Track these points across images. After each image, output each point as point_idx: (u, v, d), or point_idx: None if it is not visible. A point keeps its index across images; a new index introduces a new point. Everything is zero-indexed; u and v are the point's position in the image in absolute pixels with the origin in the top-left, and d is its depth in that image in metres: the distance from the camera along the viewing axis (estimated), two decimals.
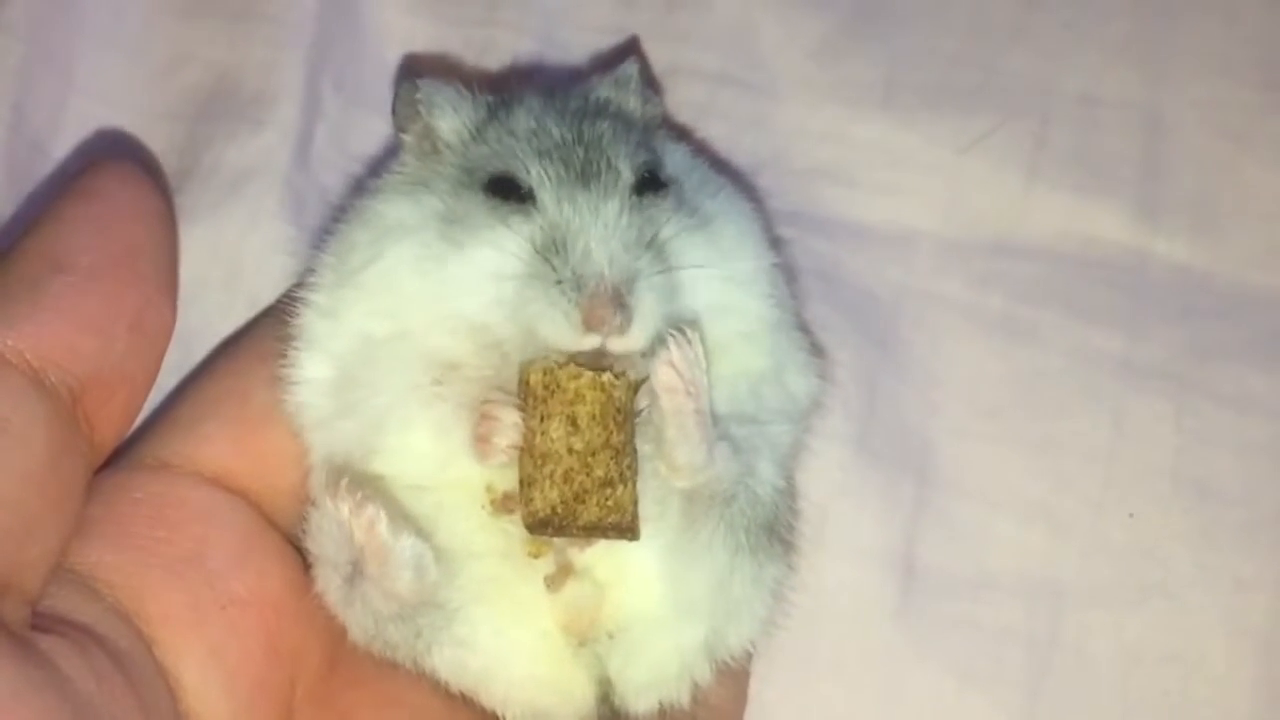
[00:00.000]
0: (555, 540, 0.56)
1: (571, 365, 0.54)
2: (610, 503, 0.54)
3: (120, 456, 0.61)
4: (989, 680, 0.71)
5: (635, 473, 0.55)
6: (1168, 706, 0.71)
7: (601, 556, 0.57)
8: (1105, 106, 0.78)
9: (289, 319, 0.61)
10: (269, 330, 0.63)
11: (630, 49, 0.77)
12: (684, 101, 0.78)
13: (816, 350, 0.65)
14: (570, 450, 0.54)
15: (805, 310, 0.68)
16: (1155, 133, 0.78)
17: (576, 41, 0.79)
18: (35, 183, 0.74)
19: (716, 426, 0.56)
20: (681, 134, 0.73)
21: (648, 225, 0.56)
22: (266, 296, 0.69)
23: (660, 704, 0.59)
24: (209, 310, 0.72)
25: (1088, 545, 0.73)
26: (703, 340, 0.56)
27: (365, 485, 0.56)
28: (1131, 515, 0.73)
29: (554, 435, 0.54)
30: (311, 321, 0.60)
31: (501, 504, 0.56)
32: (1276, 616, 0.71)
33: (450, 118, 0.61)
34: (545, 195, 0.56)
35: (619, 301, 0.53)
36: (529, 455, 0.54)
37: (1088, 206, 0.77)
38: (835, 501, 0.72)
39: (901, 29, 0.80)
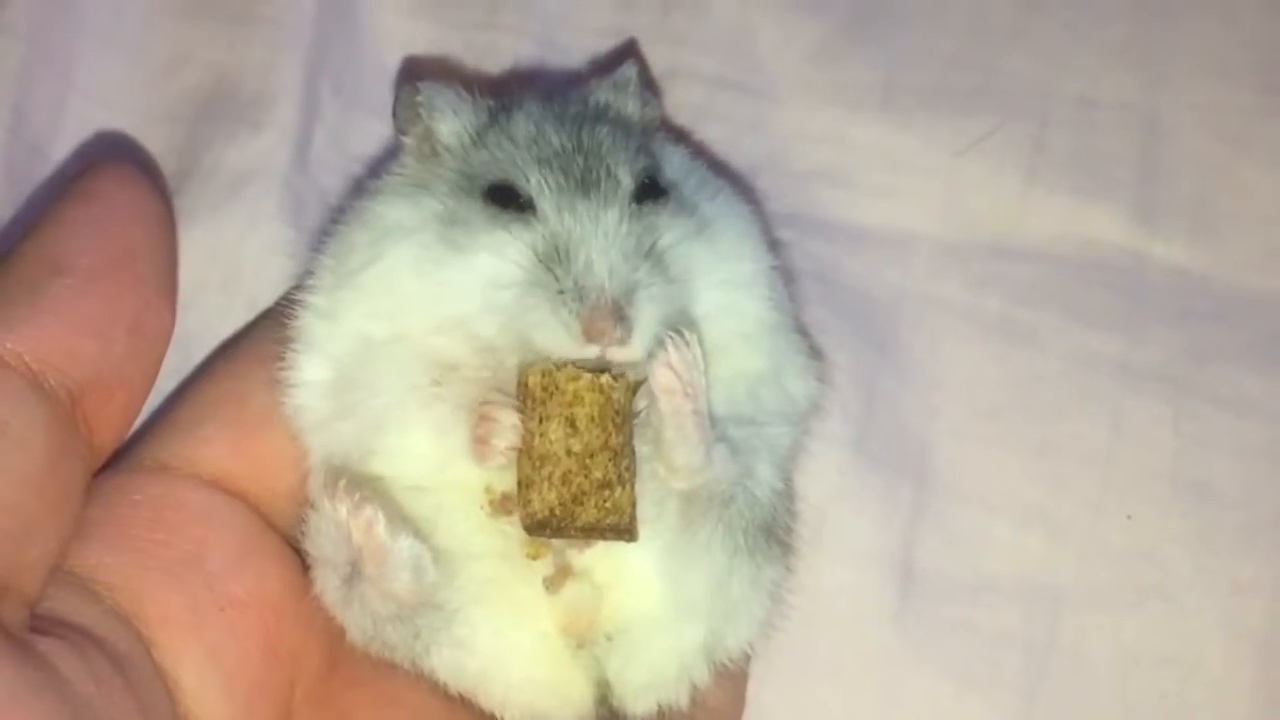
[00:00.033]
0: (554, 542, 0.56)
1: (570, 367, 0.54)
2: (608, 504, 0.54)
3: (119, 459, 0.61)
4: (987, 683, 0.71)
5: (634, 474, 0.55)
6: (1166, 709, 0.71)
7: (600, 558, 0.57)
8: (1104, 109, 0.78)
9: (288, 321, 0.61)
10: (268, 332, 0.62)
11: (629, 51, 0.77)
12: (682, 104, 0.78)
13: (815, 353, 0.65)
14: (569, 452, 0.54)
15: (803, 312, 0.68)
16: (1154, 135, 0.78)
17: (576, 44, 0.79)
18: (34, 185, 0.74)
19: (715, 428, 0.56)
20: (680, 136, 0.73)
21: (647, 234, 0.57)
22: (265, 298, 0.70)
23: (659, 706, 0.59)
24: (208, 312, 0.72)
25: (1086, 548, 0.73)
26: (701, 342, 0.56)
27: (363, 486, 0.56)
28: (1130, 518, 0.73)
29: (552, 437, 0.54)
30: (310, 323, 0.60)
31: (500, 505, 0.56)
32: (1275, 619, 0.71)
33: (450, 121, 0.61)
34: (545, 204, 0.56)
35: (619, 314, 0.54)
36: (527, 457, 0.54)
37: (1086, 209, 0.77)
38: (833, 504, 0.72)
39: (900, 31, 0.80)
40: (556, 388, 0.54)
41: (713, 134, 0.77)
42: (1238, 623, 0.71)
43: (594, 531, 0.55)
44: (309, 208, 0.74)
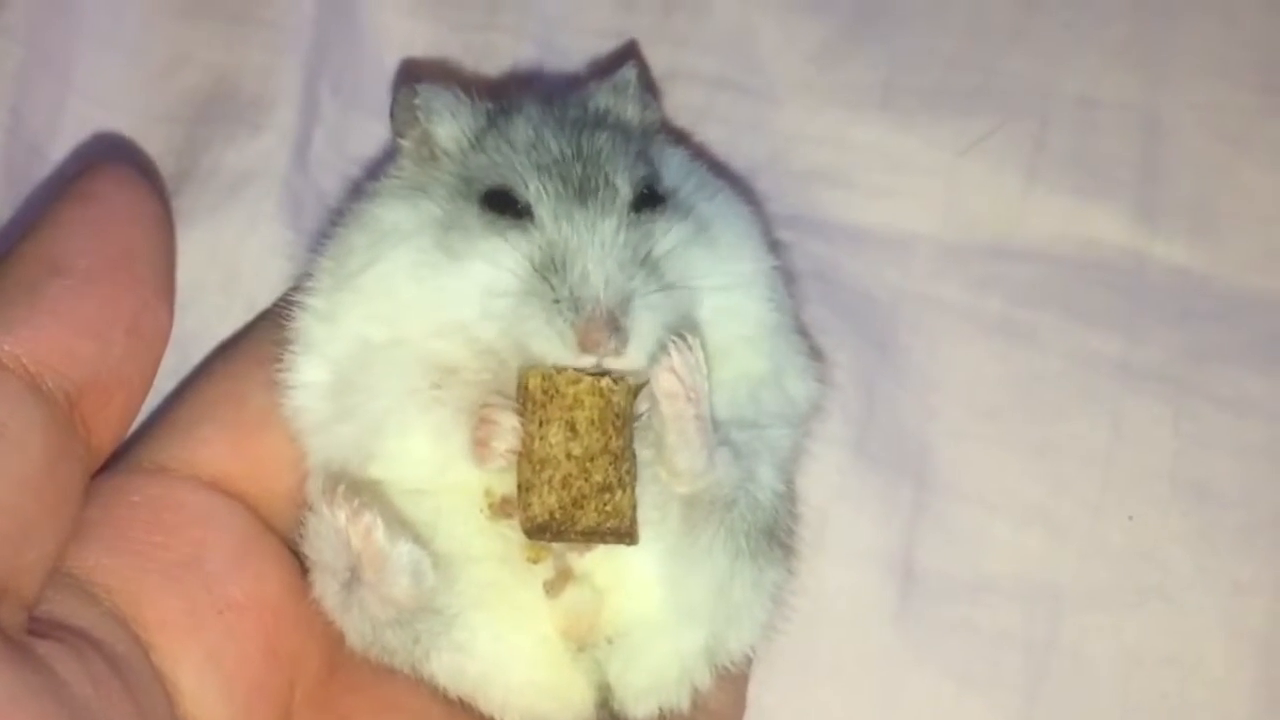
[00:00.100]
0: (554, 545, 0.56)
1: (571, 370, 0.54)
2: (609, 508, 0.54)
3: (118, 460, 0.61)
4: (987, 683, 0.71)
5: (634, 478, 0.55)
6: (1166, 709, 0.71)
7: (601, 561, 0.57)
8: (1104, 109, 0.78)
9: (286, 322, 0.61)
10: (266, 334, 0.62)
11: (629, 53, 0.77)
12: (683, 105, 0.78)
13: (815, 354, 0.65)
14: (569, 455, 0.54)
15: (804, 313, 0.68)
16: (1154, 135, 0.78)
17: (575, 45, 0.79)
18: (33, 186, 0.74)
19: (717, 431, 0.56)
20: (680, 138, 0.73)
21: (644, 242, 0.56)
22: (264, 300, 0.69)
23: (660, 709, 0.59)
24: (206, 313, 0.72)
25: (1086, 548, 0.73)
26: (703, 345, 0.56)
27: (362, 491, 0.56)
28: (1130, 518, 0.73)
29: (553, 440, 0.54)
30: (309, 325, 0.60)
31: (500, 509, 0.56)
32: (1275, 619, 0.71)
33: (448, 124, 0.61)
34: (543, 211, 0.56)
35: (614, 324, 0.54)
36: (527, 460, 0.54)
37: (1086, 209, 0.77)
38: (834, 505, 0.72)
39: (900, 32, 0.80)
40: (557, 391, 0.54)
41: (713, 135, 0.77)
42: (1238, 623, 0.71)
43: (594, 535, 0.54)
44: (308, 209, 0.74)
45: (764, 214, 0.68)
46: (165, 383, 0.66)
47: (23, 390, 0.53)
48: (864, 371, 0.74)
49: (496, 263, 0.56)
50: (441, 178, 0.60)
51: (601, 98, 0.64)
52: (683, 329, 0.55)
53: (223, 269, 0.73)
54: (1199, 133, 0.78)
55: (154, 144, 0.76)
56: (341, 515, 0.55)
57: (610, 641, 0.58)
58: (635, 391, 0.56)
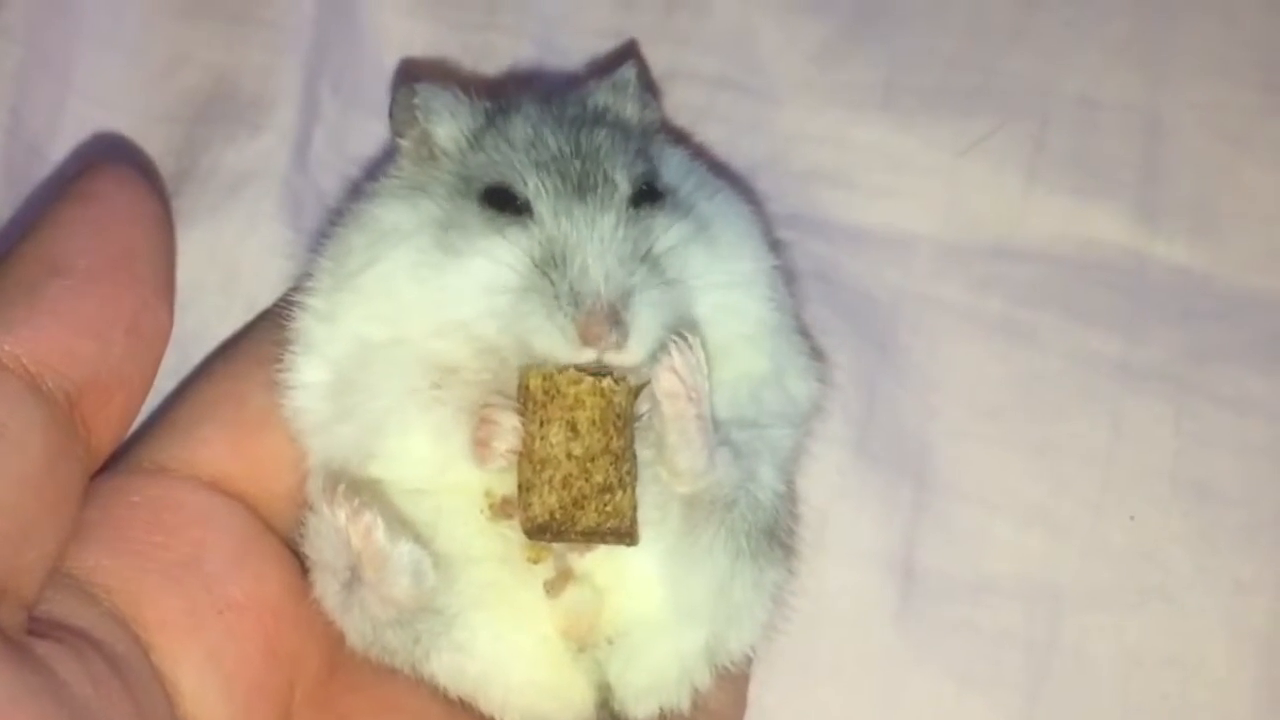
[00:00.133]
0: (555, 545, 0.56)
1: (571, 370, 0.54)
2: (609, 508, 0.54)
3: (117, 460, 0.61)
4: (988, 683, 0.71)
5: (634, 478, 0.55)
6: (1167, 710, 0.71)
7: (601, 562, 0.57)
8: (1104, 109, 0.78)
9: (286, 323, 0.61)
10: (266, 334, 0.62)
11: (629, 52, 0.77)
12: (683, 104, 0.78)
13: (816, 353, 0.65)
14: (569, 456, 0.54)
15: (804, 313, 0.68)
16: (1155, 135, 0.78)
17: (575, 45, 0.79)
18: (33, 186, 0.74)
19: (717, 431, 0.56)
20: (680, 137, 0.73)
21: (644, 237, 0.56)
22: (264, 300, 0.69)
23: (660, 709, 0.59)
24: (206, 313, 0.72)
25: (1087, 548, 0.73)
26: (704, 345, 0.56)
27: (362, 491, 0.56)
28: (1131, 518, 0.73)
29: (553, 441, 0.54)
30: (309, 325, 0.60)
31: (500, 509, 0.56)
32: (1277, 619, 0.71)
33: (447, 124, 0.61)
34: (542, 208, 0.56)
35: (615, 319, 0.54)
36: (528, 460, 0.54)
37: (1087, 209, 0.77)
38: (834, 505, 0.72)
39: (900, 31, 0.80)
40: (558, 391, 0.54)
41: (713, 134, 0.77)
42: (1240, 622, 0.71)
43: (594, 535, 0.54)
44: (308, 209, 0.74)
45: (764, 214, 0.68)
46: (165, 383, 0.66)
47: (23, 390, 0.53)
48: (865, 371, 0.74)
49: (496, 259, 0.56)
50: (441, 177, 0.60)
51: (601, 96, 0.64)
52: (683, 328, 0.56)
53: (222, 269, 0.73)
54: (1200, 132, 0.78)
55: (154, 144, 0.76)
56: (341, 514, 0.55)
57: (610, 641, 0.57)
58: (636, 392, 0.56)
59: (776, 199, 0.75)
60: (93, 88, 0.76)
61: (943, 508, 0.73)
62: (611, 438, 0.54)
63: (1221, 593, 0.72)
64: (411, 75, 0.76)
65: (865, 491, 0.73)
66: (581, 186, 0.56)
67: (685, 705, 0.60)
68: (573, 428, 0.54)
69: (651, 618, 0.57)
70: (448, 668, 0.58)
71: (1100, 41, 0.79)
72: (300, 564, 0.60)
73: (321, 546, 0.58)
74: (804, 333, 0.65)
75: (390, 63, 0.78)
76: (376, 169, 0.68)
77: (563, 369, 0.54)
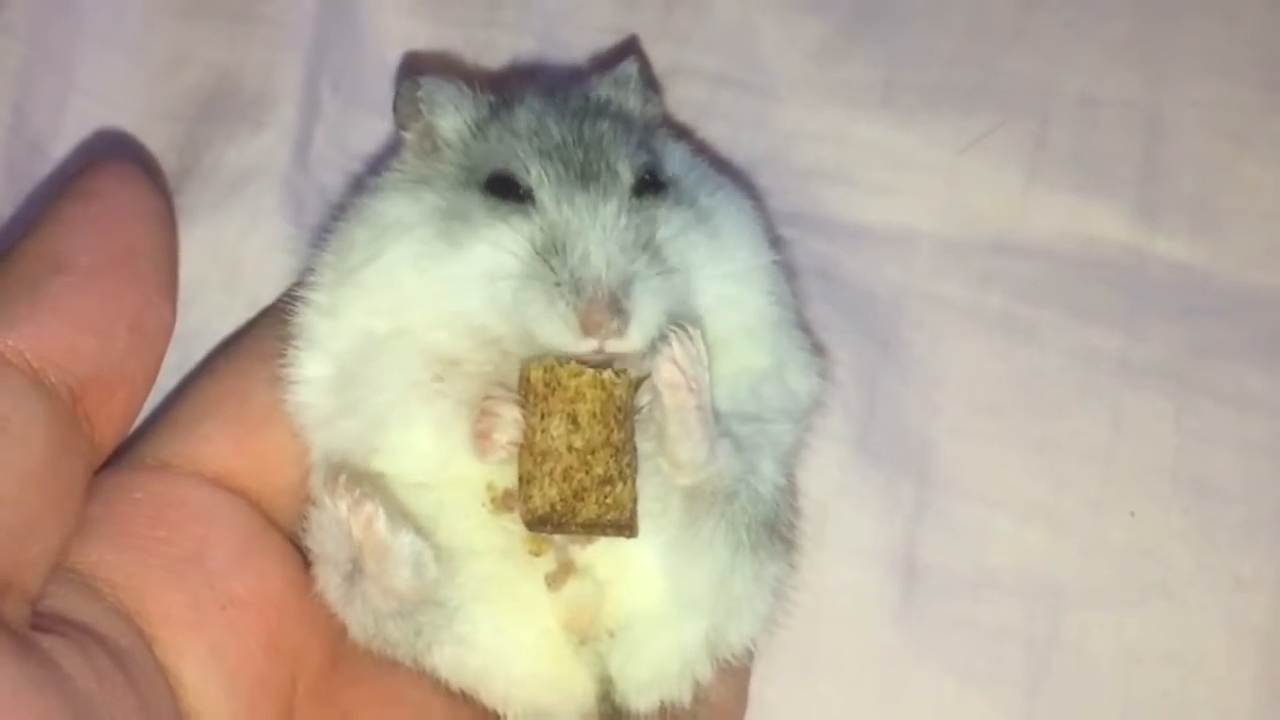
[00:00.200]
0: (556, 538, 0.56)
1: (573, 363, 0.54)
2: (609, 500, 0.54)
3: (120, 456, 0.61)
4: (988, 680, 0.71)
5: (635, 470, 0.55)
6: (1168, 707, 0.71)
7: (602, 554, 0.57)
8: (1105, 107, 0.79)
9: (289, 318, 0.61)
10: (269, 330, 0.63)
11: (630, 49, 0.77)
12: (684, 101, 0.78)
13: (817, 349, 0.65)
14: (570, 448, 0.54)
15: (805, 309, 0.68)
16: (1155, 133, 0.78)
17: (577, 42, 0.79)
18: (35, 183, 0.74)
19: (718, 424, 0.56)
20: (681, 134, 0.73)
21: (646, 226, 0.57)
22: (266, 296, 0.69)
23: (661, 702, 0.59)
24: (208, 310, 0.72)
25: (1087, 545, 0.73)
26: (704, 337, 0.56)
27: (364, 483, 0.56)
28: (1131, 514, 0.73)
29: (554, 433, 0.54)
30: (311, 320, 0.60)
31: (502, 502, 0.56)
32: (1277, 616, 0.71)
33: (451, 116, 0.61)
34: (544, 195, 0.56)
35: (616, 306, 0.54)
36: (529, 452, 0.54)
37: (1087, 206, 0.77)
38: (835, 501, 0.72)
39: (901, 30, 0.80)
40: (559, 383, 0.54)
41: (714, 131, 0.77)
42: (1240, 619, 0.71)
43: (595, 527, 0.55)
44: (309, 205, 0.74)
45: (765, 210, 0.68)
46: (168, 379, 0.67)
47: (26, 385, 0.53)
48: (865, 368, 0.74)
49: (498, 246, 0.56)
50: (444, 169, 0.60)
51: (603, 90, 0.64)
52: (684, 319, 0.56)
53: (225, 266, 0.73)
54: (1200, 130, 0.78)
55: (155, 141, 0.76)
56: (343, 505, 0.55)
57: (612, 634, 0.58)
58: (636, 385, 0.56)
59: (777, 196, 0.75)
60: (95, 85, 0.76)
61: (943, 504, 0.73)
62: (612, 430, 0.54)
63: (1222, 590, 0.72)
64: (415, 70, 0.76)
65: (866, 488, 0.73)
66: (584, 175, 0.57)
67: (686, 698, 0.60)
68: (573, 420, 0.54)
69: (653, 610, 0.57)
70: (449, 660, 0.58)
71: (1100, 40, 0.79)
72: (303, 559, 0.61)
73: (324, 539, 0.58)
74: (805, 328, 0.65)
75: (391, 60, 0.78)
76: (378, 166, 0.68)
77: (564, 361, 0.54)
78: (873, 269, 0.76)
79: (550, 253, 0.55)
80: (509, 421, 0.54)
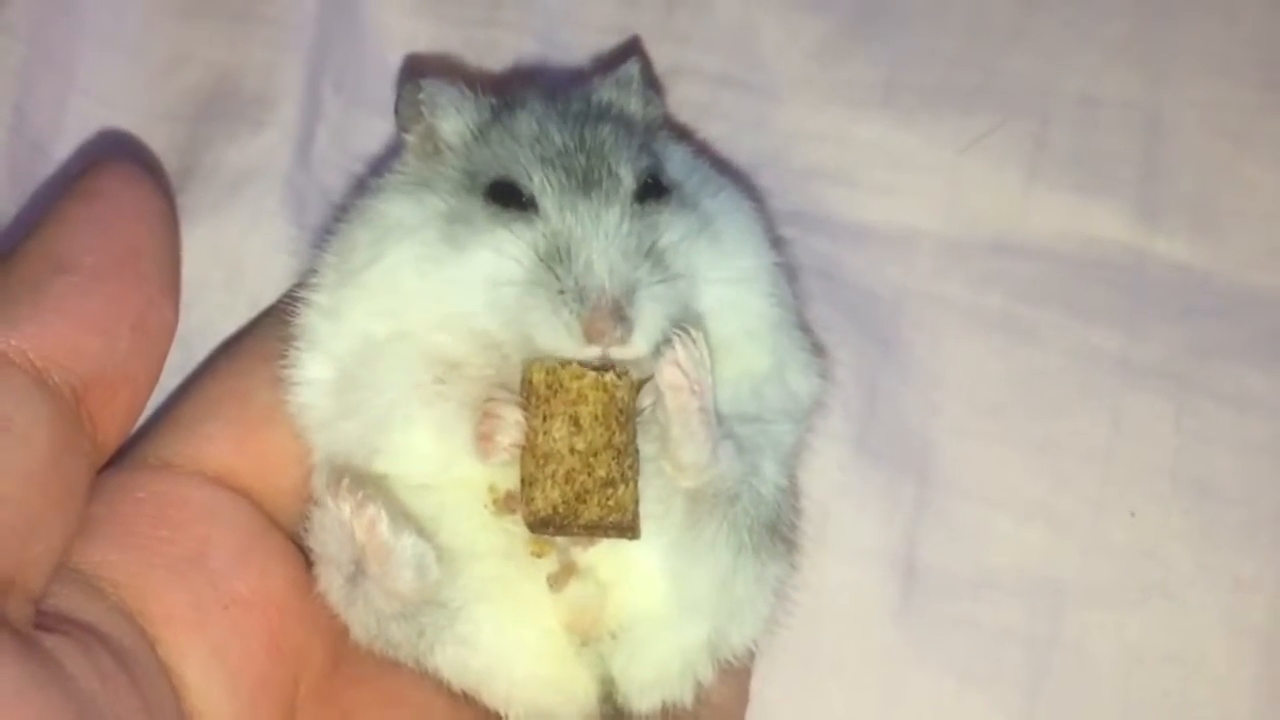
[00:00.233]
0: (558, 540, 0.57)
1: (574, 365, 0.54)
2: (611, 502, 0.54)
3: (123, 456, 0.61)
4: (989, 680, 0.71)
5: (637, 472, 0.55)
6: (1168, 706, 0.71)
7: (604, 556, 0.57)
8: (1105, 107, 0.79)
9: (290, 319, 0.61)
10: (271, 330, 0.63)
11: (632, 49, 0.77)
12: (685, 102, 0.78)
13: (818, 350, 0.65)
14: (572, 450, 0.54)
15: (806, 309, 0.68)
16: (1155, 133, 0.78)
17: (578, 42, 0.79)
18: (36, 183, 0.74)
19: (720, 426, 0.56)
20: (682, 134, 0.73)
21: (648, 232, 0.57)
22: (268, 296, 0.70)
23: (663, 703, 0.60)
24: (211, 310, 0.72)
25: (1088, 545, 0.73)
26: (707, 339, 0.56)
27: (367, 485, 0.56)
28: (1132, 514, 0.73)
29: (556, 435, 0.54)
30: (313, 321, 0.60)
31: (504, 503, 0.57)
32: (1277, 616, 0.71)
33: (453, 119, 0.61)
34: (547, 203, 0.56)
35: (619, 314, 0.54)
36: (531, 454, 0.54)
37: (1087, 206, 0.77)
38: (836, 501, 0.72)
39: (901, 30, 0.80)
40: (561, 385, 0.54)
41: (715, 131, 0.77)
42: (1240, 619, 0.71)
43: (597, 529, 0.55)
44: (311, 206, 0.74)
45: (766, 210, 0.68)
46: (170, 379, 0.66)
47: (29, 385, 0.53)
48: (866, 368, 0.74)
49: (501, 251, 0.56)
50: (446, 172, 0.60)
51: (605, 92, 0.64)
52: (686, 322, 0.56)
53: (226, 266, 0.73)
54: (1200, 130, 0.78)
55: (157, 142, 0.76)
56: (346, 508, 0.55)
57: (614, 636, 0.58)
58: (638, 386, 0.56)
59: (778, 196, 0.75)
60: (95, 85, 0.76)
61: (944, 504, 0.73)
62: (614, 432, 0.54)
63: (1222, 590, 0.72)
64: (416, 71, 0.76)
65: (867, 488, 0.73)
66: (586, 181, 0.57)
67: (688, 699, 0.60)
68: (575, 422, 0.54)
69: (654, 612, 0.57)
70: (452, 661, 0.58)
71: (1100, 40, 0.79)
72: (305, 559, 0.61)
73: (326, 540, 0.58)
74: (805, 329, 0.65)
75: (392, 60, 0.78)
76: (380, 166, 0.68)
77: (565, 363, 0.54)
78: (873, 269, 0.76)
79: (554, 260, 0.55)
80: (511, 423, 0.54)
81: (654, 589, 0.57)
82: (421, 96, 0.61)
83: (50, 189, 0.74)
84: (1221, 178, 0.77)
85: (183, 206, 0.73)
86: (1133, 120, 0.78)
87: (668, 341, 0.55)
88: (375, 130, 0.76)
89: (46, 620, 0.51)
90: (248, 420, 0.62)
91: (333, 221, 0.64)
